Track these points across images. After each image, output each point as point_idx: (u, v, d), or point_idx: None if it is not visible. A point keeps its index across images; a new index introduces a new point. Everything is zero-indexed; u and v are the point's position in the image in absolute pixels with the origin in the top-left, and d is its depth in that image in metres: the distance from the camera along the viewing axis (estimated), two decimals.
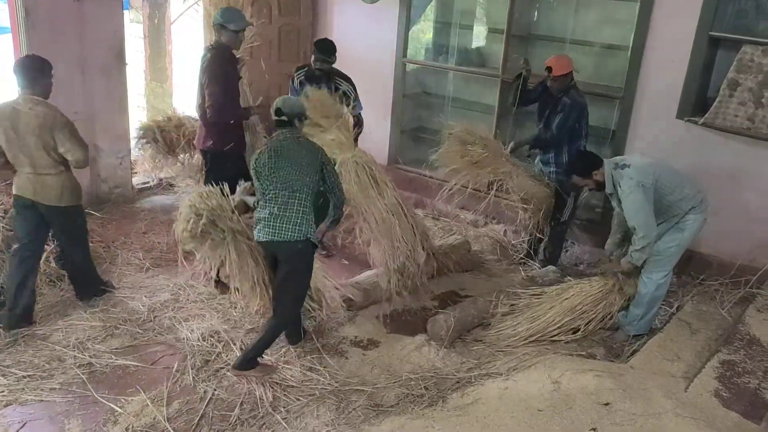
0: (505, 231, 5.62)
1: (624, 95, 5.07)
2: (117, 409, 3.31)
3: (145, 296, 4.35)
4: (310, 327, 4.08)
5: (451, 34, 6.46)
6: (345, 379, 3.66)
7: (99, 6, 5.18)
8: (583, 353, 3.94)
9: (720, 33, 4.58)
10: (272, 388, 3.52)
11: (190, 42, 8.80)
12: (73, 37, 5.03)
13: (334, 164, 3.89)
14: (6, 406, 3.29)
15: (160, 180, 6.14)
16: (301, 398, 3.46)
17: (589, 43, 5.60)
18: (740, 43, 4.47)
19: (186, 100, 7.87)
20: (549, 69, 4.64)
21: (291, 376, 3.64)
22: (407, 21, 6.15)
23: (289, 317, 3.71)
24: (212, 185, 3.68)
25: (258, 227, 3.52)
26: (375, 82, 5.91)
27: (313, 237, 3.53)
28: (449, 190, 4.98)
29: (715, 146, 4.70)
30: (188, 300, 4.35)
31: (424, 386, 3.59)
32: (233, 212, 3.65)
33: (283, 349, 3.86)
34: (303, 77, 4.93)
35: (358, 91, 4.91)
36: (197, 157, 5.77)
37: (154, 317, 4.12)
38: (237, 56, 4.60)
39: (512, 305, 4.28)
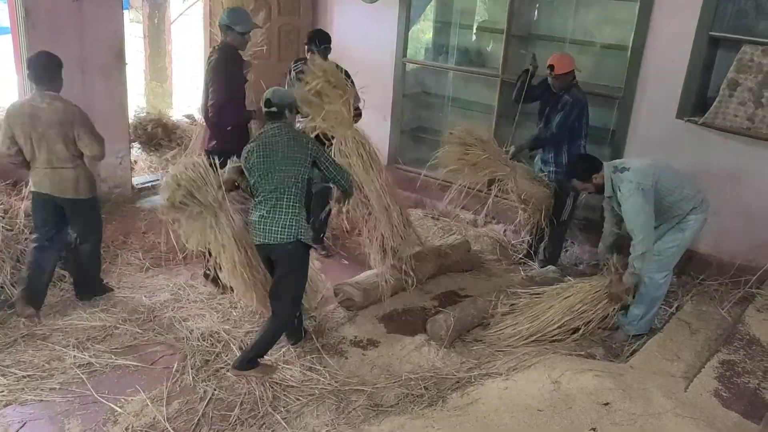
0: (505, 231, 5.62)
1: (624, 95, 5.07)
2: (117, 408, 3.31)
3: (145, 296, 4.35)
4: (310, 327, 4.08)
5: (450, 33, 6.46)
6: (345, 379, 3.66)
7: (99, 6, 5.18)
8: (583, 353, 3.94)
9: (720, 33, 4.58)
10: (272, 387, 3.52)
11: (190, 42, 8.79)
12: (72, 37, 5.03)
13: (331, 144, 3.86)
14: (6, 405, 3.29)
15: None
16: (300, 398, 3.46)
17: (589, 43, 5.60)
18: (740, 43, 4.48)
19: (186, 100, 7.89)
20: (551, 67, 4.64)
21: (291, 375, 3.64)
22: (407, 21, 6.15)
23: (287, 317, 3.71)
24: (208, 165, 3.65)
25: (252, 230, 3.53)
26: (375, 82, 5.90)
27: (304, 238, 3.52)
28: (451, 193, 4.99)
29: (714, 146, 4.70)
30: (188, 300, 4.35)
31: (424, 386, 3.59)
32: (220, 187, 3.60)
33: (283, 349, 3.86)
34: (300, 70, 4.92)
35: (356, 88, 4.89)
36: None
37: (154, 317, 4.13)
38: (244, 58, 4.60)
39: (512, 305, 4.28)
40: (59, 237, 4.06)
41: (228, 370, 3.63)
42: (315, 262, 4.96)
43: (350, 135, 4.19)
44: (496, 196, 4.97)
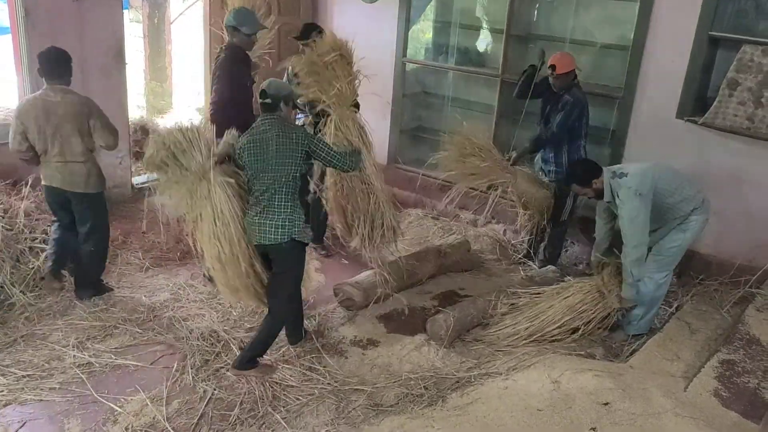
0: (505, 231, 5.62)
1: (624, 95, 5.07)
2: (116, 408, 3.31)
3: (145, 296, 4.35)
4: (310, 327, 4.08)
5: (450, 33, 6.46)
6: (344, 378, 3.66)
7: (98, 6, 5.18)
8: (583, 353, 3.94)
9: (720, 33, 4.58)
10: (272, 387, 3.52)
11: (189, 42, 8.79)
12: (72, 36, 5.02)
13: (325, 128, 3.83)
14: (5, 405, 3.29)
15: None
16: (300, 398, 3.46)
17: (589, 42, 5.60)
18: (740, 42, 4.47)
19: (185, 99, 7.90)
20: (552, 67, 4.64)
21: (290, 375, 3.64)
22: (407, 21, 6.15)
23: (284, 315, 3.70)
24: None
25: (248, 230, 3.52)
26: (375, 82, 5.90)
27: (299, 236, 3.50)
28: (451, 194, 4.98)
29: (714, 146, 4.70)
30: (188, 299, 4.35)
31: (424, 386, 3.59)
32: (209, 157, 3.47)
33: (283, 349, 3.86)
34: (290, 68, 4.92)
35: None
36: None
37: (154, 317, 4.13)
38: (252, 59, 4.58)
39: (512, 305, 4.28)
40: (73, 222, 4.17)
41: (228, 370, 3.63)
42: (315, 261, 5.00)
43: (350, 116, 4.09)
44: (500, 197, 4.96)
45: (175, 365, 3.65)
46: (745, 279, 4.59)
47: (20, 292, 4.11)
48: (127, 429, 3.16)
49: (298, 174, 3.48)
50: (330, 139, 3.95)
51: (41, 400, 3.35)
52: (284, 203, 3.45)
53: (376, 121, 6.18)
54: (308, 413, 3.36)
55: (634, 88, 4.98)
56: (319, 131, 4.09)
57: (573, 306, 4.09)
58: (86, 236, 4.14)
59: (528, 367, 3.66)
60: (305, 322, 4.02)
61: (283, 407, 3.39)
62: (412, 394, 3.52)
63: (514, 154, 4.91)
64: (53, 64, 3.85)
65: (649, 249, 4.09)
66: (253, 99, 4.55)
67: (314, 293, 4.50)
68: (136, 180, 6.01)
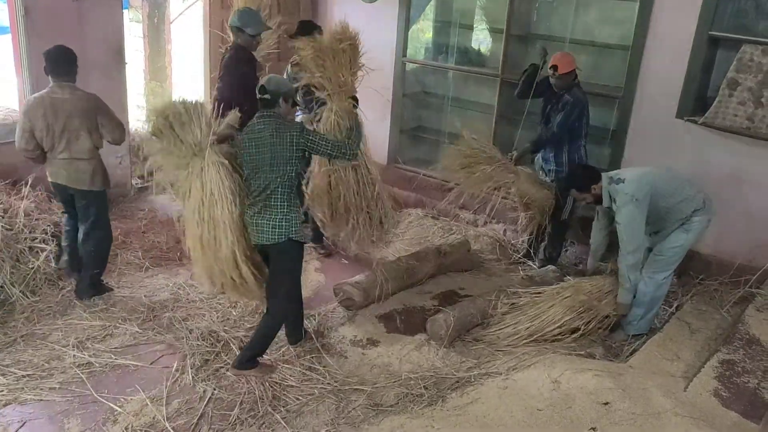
0: (505, 230, 5.62)
1: (624, 95, 5.07)
2: (116, 408, 3.31)
3: (145, 296, 4.35)
4: (310, 327, 4.08)
5: (450, 33, 6.46)
6: (344, 378, 3.65)
7: (98, 5, 5.18)
8: (583, 353, 3.94)
9: (720, 32, 4.58)
10: (272, 387, 3.52)
11: (189, 42, 8.78)
12: (72, 36, 5.02)
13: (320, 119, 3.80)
14: (5, 405, 3.29)
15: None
16: (300, 398, 3.46)
17: (589, 42, 5.60)
18: (740, 42, 4.47)
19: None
20: (554, 67, 4.63)
21: (290, 375, 3.64)
22: (407, 20, 6.15)
23: (283, 314, 3.69)
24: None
25: (248, 230, 3.52)
26: (375, 82, 5.91)
27: (295, 236, 3.49)
28: (452, 194, 4.98)
29: (714, 146, 4.70)
30: (188, 299, 4.35)
31: (424, 386, 3.59)
32: (208, 134, 3.43)
33: (283, 349, 3.86)
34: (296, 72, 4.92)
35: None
36: None
37: (154, 317, 4.12)
38: (257, 60, 4.58)
39: (512, 305, 4.28)
40: None
41: (227, 370, 3.63)
42: (315, 261, 5.00)
43: (347, 108, 4.09)
44: (503, 198, 4.96)
45: (175, 365, 3.65)
46: (745, 279, 4.59)
47: (20, 292, 4.11)
48: (127, 429, 3.16)
49: (294, 173, 3.46)
50: (323, 124, 3.93)
51: (41, 399, 3.35)
52: (281, 203, 3.44)
53: (376, 121, 6.20)
54: (308, 413, 3.36)
55: (634, 88, 4.98)
56: (316, 115, 4.09)
57: (573, 306, 4.09)
58: (87, 233, 4.15)
59: (528, 367, 3.66)
60: (305, 322, 4.02)
61: (283, 407, 3.38)
62: (412, 394, 3.52)
63: (515, 154, 4.91)
64: (60, 62, 3.89)
65: (651, 250, 4.10)
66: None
67: (314, 293, 4.49)
68: (136, 180, 6.01)
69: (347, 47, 3.99)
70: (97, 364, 3.63)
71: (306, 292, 4.14)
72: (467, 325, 4.19)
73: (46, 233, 4.38)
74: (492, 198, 4.97)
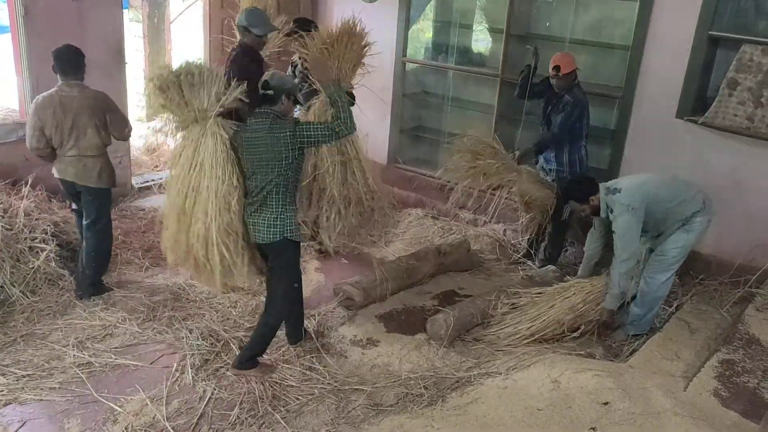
0: (505, 230, 5.62)
1: (623, 95, 5.07)
2: (116, 408, 3.31)
3: (145, 295, 4.35)
4: (310, 327, 4.08)
5: (450, 33, 6.46)
6: (344, 378, 3.66)
7: (98, 5, 5.18)
8: (582, 352, 3.94)
9: (719, 32, 4.58)
10: (272, 387, 3.52)
11: (189, 41, 8.79)
12: (72, 36, 5.01)
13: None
14: (5, 405, 3.29)
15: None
16: (300, 397, 3.46)
17: (589, 42, 5.60)
18: (740, 42, 4.47)
19: None
20: (557, 68, 4.63)
21: (290, 375, 3.64)
22: (407, 20, 6.15)
23: (280, 313, 3.68)
24: None
25: (247, 227, 3.52)
26: (375, 82, 5.92)
27: (291, 235, 3.48)
28: (456, 194, 4.98)
29: (714, 146, 4.70)
30: (187, 299, 4.35)
31: (424, 385, 3.59)
32: (215, 105, 3.36)
33: (283, 349, 3.87)
34: (298, 63, 4.92)
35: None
36: None
37: (154, 317, 4.12)
38: (264, 59, 4.58)
39: (513, 304, 4.28)
40: None
41: (227, 370, 3.63)
42: (315, 261, 5.00)
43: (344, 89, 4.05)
44: (506, 198, 4.96)
45: (175, 365, 3.65)
46: (745, 279, 4.59)
47: (20, 292, 4.11)
48: (126, 428, 3.16)
49: (290, 172, 3.43)
50: (315, 110, 3.92)
51: (41, 399, 3.35)
52: (276, 202, 3.43)
53: (376, 121, 6.20)
54: (308, 413, 3.36)
55: (634, 88, 4.98)
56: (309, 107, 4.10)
57: (574, 306, 4.10)
58: (87, 229, 4.19)
59: (528, 367, 3.66)
60: (305, 321, 4.02)
61: (283, 407, 3.39)
62: (412, 394, 3.52)
63: (518, 153, 4.92)
64: (70, 61, 3.97)
65: (653, 251, 4.11)
66: None
67: (314, 293, 4.50)
68: (136, 180, 6.02)
69: (355, 43, 4.04)
70: (97, 364, 3.64)
71: (306, 292, 4.15)
72: (467, 325, 4.19)
73: (46, 233, 4.37)
74: (496, 197, 4.97)
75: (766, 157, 4.52)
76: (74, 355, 3.68)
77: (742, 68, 4.46)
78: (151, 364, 3.69)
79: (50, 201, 4.74)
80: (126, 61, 5.55)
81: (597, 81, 5.39)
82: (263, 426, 3.25)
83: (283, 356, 3.81)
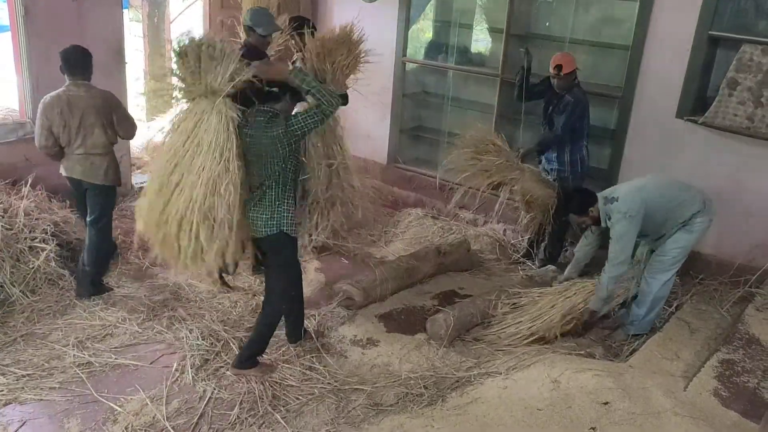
0: (505, 230, 5.62)
1: (623, 95, 5.07)
2: (116, 408, 3.31)
3: (145, 295, 4.35)
4: (310, 327, 4.08)
5: (450, 33, 6.46)
6: (344, 378, 3.66)
7: (98, 5, 5.18)
8: (583, 352, 3.94)
9: (719, 32, 4.58)
10: (272, 387, 3.52)
11: None
12: (72, 35, 5.00)
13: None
14: (5, 405, 3.29)
15: None
16: (300, 397, 3.46)
17: (589, 42, 5.60)
18: (740, 42, 4.47)
19: None
20: (559, 67, 4.63)
21: (290, 375, 3.64)
22: (407, 20, 6.15)
23: (277, 312, 3.68)
24: None
25: (247, 222, 3.52)
26: (375, 82, 5.93)
27: (287, 229, 3.48)
28: (457, 195, 4.99)
29: (714, 145, 4.70)
30: (187, 299, 4.35)
31: (424, 385, 3.59)
32: (228, 84, 3.29)
33: (283, 348, 3.86)
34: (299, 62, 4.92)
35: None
36: None
37: (154, 316, 4.12)
38: (268, 58, 4.58)
39: (513, 304, 4.28)
40: None
41: (227, 370, 3.63)
42: (315, 261, 5.00)
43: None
44: (496, 195, 4.96)
45: (175, 365, 3.65)
46: (744, 279, 4.59)
47: (20, 291, 4.11)
48: (126, 428, 3.16)
49: (287, 169, 3.43)
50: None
51: (41, 399, 3.34)
52: (273, 197, 3.43)
53: (376, 121, 6.21)
54: (308, 413, 3.36)
55: (634, 88, 4.98)
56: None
57: (575, 306, 4.10)
58: (90, 226, 4.23)
59: (528, 367, 3.66)
60: (305, 321, 4.02)
61: (283, 407, 3.38)
62: (412, 394, 3.52)
63: (521, 151, 4.92)
64: (77, 62, 4.02)
65: (653, 251, 4.11)
66: None
67: (314, 293, 4.50)
68: (136, 179, 6.01)
69: (351, 51, 4.10)
70: (97, 364, 3.63)
71: (306, 291, 4.14)
72: (467, 324, 4.19)
73: (46, 233, 4.37)
74: (499, 196, 4.96)
75: (766, 157, 4.52)
76: (74, 354, 3.68)
77: (742, 68, 4.46)
78: (151, 364, 3.69)
79: (50, 201, 4.73)
80: (126, 60, 5.55)
81: (597, 81, 5.39)
82: (263, 426, 3.25)
83: (283, 356, 3.81)
